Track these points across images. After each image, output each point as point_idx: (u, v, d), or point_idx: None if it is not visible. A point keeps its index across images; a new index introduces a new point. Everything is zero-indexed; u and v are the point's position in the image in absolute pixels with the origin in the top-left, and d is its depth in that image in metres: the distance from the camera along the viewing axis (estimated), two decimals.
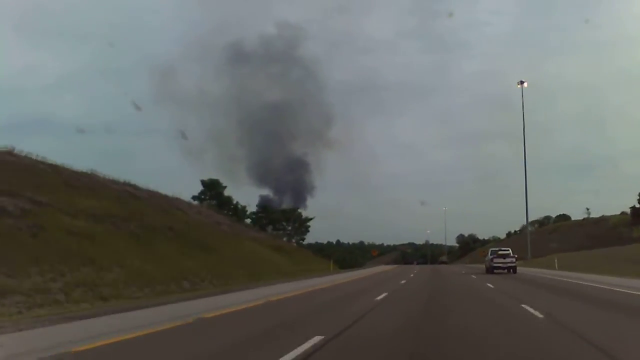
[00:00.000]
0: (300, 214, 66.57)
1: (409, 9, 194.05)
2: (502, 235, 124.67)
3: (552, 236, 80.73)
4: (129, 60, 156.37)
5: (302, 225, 64.65)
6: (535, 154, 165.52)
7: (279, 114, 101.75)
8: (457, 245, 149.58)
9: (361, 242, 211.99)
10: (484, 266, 39.25)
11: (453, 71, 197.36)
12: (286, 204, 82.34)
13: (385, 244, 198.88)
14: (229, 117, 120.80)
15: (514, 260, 32.47)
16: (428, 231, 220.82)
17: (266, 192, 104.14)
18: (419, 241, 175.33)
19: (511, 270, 32.02)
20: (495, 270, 32.17)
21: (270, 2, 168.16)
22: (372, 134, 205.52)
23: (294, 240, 62.41)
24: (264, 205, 64.76)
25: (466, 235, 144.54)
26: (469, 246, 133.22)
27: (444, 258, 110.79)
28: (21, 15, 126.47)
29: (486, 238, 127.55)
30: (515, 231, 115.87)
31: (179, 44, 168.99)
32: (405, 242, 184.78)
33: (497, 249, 36.53)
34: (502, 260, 32.41)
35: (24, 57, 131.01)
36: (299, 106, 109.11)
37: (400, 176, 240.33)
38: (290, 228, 63.43)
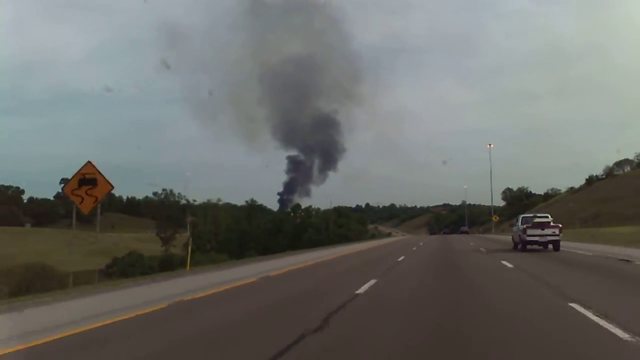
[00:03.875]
0: None
1: None
2: (564, 188, 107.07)
3: None
4: (144, 25, 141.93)
5: None
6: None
7: (305, 69, 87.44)
8: (503, 203, 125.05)
9: (392, 205, 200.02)
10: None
11: (486, 27, 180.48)
12: (317, 165, 62.79)
13: (418, 206, 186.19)
14: (251, 75, 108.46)
15: (556, 231, 23.73)
16: (465, 186, 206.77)
17: (294, 152, 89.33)
18: (456, 202, 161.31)
19: (550, 246, 23.91)
20: (528, 246, 24.29)
21: None
22: (407, 93, 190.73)
23: None
24: None
25: (515, 189, 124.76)
26: (520, 203, 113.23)
27: (464, 228, 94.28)
28: None
29: (548, 191, 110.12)
30: (596, 176, 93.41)
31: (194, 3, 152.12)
32: (440, 203, 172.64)
33: (531, 215, 28.39)
34: (539, 231, 23.71)
35: None
36: (326, 61, 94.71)
37: (437, 136, 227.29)
38: None
